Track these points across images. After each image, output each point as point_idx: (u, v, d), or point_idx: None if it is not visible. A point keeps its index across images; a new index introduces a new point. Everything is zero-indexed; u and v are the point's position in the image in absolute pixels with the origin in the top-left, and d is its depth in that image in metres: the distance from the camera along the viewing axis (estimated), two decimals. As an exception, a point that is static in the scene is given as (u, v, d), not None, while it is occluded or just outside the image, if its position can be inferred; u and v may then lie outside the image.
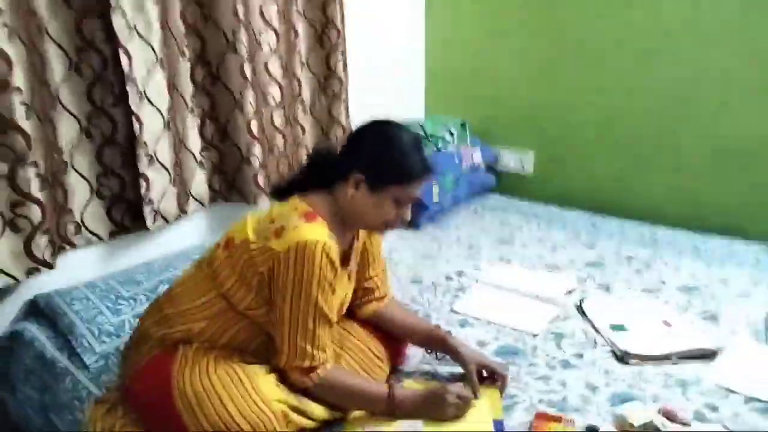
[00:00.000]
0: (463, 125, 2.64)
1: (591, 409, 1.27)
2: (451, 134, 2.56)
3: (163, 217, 1.82)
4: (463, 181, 2.54)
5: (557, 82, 2.53)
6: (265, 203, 2.05)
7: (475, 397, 1.27)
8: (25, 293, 1.61)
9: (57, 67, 1.55)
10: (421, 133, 2.50)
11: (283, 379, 1.17)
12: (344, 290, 1.31)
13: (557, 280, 1.87)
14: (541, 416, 1.23)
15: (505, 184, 2.77)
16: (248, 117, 1.94)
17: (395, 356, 1.44)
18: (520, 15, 2.56)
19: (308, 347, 1.15)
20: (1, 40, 1.35)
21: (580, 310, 1.68)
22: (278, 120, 2.13)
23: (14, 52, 1.39)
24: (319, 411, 1.19)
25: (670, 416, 1.21)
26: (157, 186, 1.78)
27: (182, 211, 1.90)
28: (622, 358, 1.44)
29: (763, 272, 1.89)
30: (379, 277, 1.45)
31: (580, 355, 1.47)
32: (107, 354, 1.45)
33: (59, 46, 1.55)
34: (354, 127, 1.28)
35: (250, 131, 1.96)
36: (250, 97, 1.94)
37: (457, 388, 1.22)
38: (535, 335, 1.56)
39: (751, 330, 1.57)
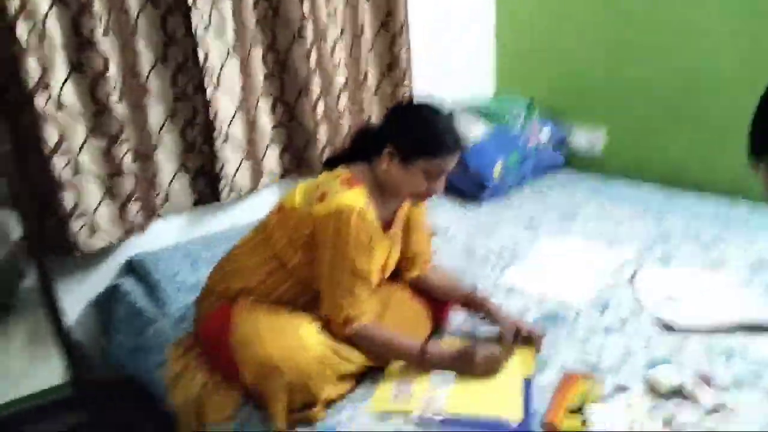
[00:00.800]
0: (530, 104, 2.63)
1: (624, 371, 1.29)
2: (518, 113, 2.56)
3: (236, 191, 2.02)
4: (529, 160, 2.54)
5: (626, 57, 2.45)
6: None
7: (510, 355, 1.34)
8: (122, 255, 1.87)
9: (146, 58, 1.78)
10: (484, 110, 2.54)
11: (328, 327, 1.30)
12: (385, 253, 1.41)
13: (613, 252, 1.85)
14: (570, 375, 1.27)
15: (576, 160, 2.73)
16: (312, 101, 2.09)
17: (438, 318, 1.52)
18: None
19: (344, 303, 1.27)
20: (97, 36, 1.58)
21: (632, 281, 1.67)
22: (343, 103, 2.26)
23: (109, 46, 1.62)
24: (356, 356, 1.30)
25: (706, 381, 1.21)
26: (232, 162, 1.97)
27: (255, 185, 2.09)
28: (667, 328, 1.43)
29: None
30: (422, 244, 1.54)
31: (623, 323, 1.48)
32: (186, 305, 1.66)
33: (147, 40, 1.77)
34: (394, 106, 1.37)
35: (314, 114, 2.11)
36: (314, 83, 2.08)
37: (488, 347, 1.28)
38: (578, 305, 1.58)
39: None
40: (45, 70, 1.54)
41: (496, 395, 1.24)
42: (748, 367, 1.28)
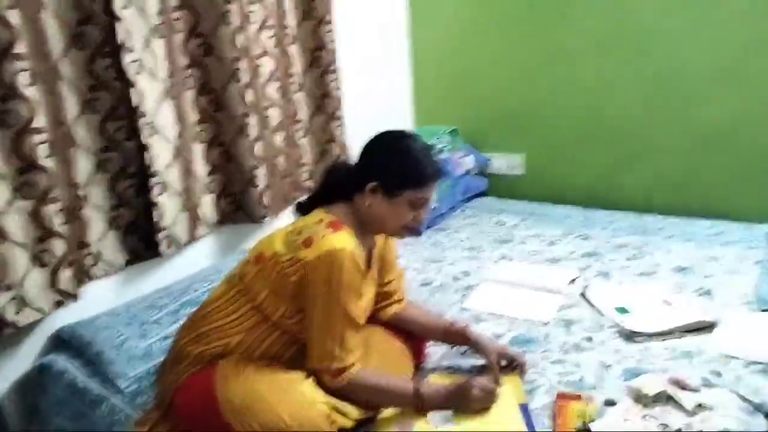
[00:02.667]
0: (453, 132, 2.75)
1: (606, 385, 1.36)
2: (443, 142, 2.66)
3: (175, 243, 1.89)
4: (458, 187, 2.64)
5: (541, 84, 2.66)
6: (271, 222, 2.13)
7: (498, 384, 1.36)
8: (45, 328, 1.65)
9: (71, 105, 1.62)
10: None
11: (319, 382, 1.24)
12: (369, 294, 1.39)
13: (559, 271, 1.96)
14: (562, 396, 1.32)
15: (498, 186, 2.88)
16: (251, 141, 2.02)
17: (417, 354, 1.51)
18: (501, 21, 2.69)
19: (336, 350, 1.22)
20: (23, 85, 1.42)
21: (584, 297, 1.78)
22: (279, 142, 2.22)
23: (35, 95, 1.45)
24: (354, 410, 1.26)
25: (679, 384, 1.31)
26: (169, 213, 1.84)
27: (193, 235, 1.96)
28: (630, 336, 1.54)
29: (749, 249, 2.00)
30: (397, 281, 1.53)
31: (590, 338, 1.57)
32: (140, 377, 1.50)
33: (73, 85, 1.61)
34: (365, 141, 1.36)
35: (254, 154, 2.04)
36: (252, 121, 2.02)
37: (481, 381, 1.30)
38: (545, 323, 1.65)
39: (742, 301, 1.67)
40: (-40, 125, 1.34)
41: (500, 427, 1.25)
42: (708, 366, 1.40)
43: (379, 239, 1.45)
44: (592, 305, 1.73)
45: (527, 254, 2.16)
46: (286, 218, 2.25)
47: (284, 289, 1.24)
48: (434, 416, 1.27)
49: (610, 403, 1.29)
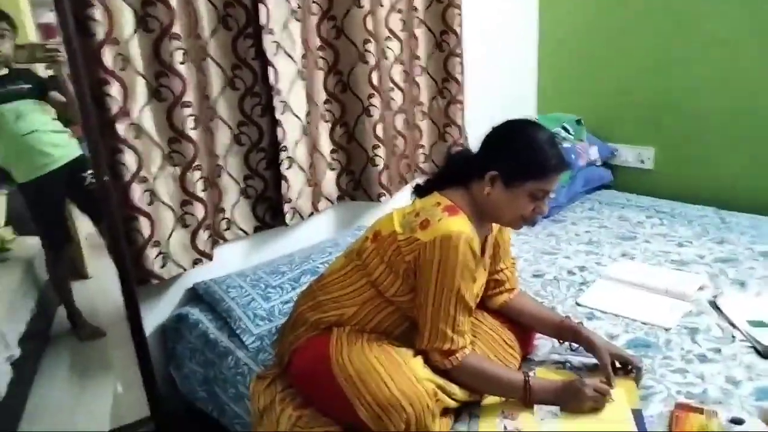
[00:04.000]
0: (578, 121, 2.63)
1: (733, 402, 1.26)
2: (567, 131, 2.56)
3: (299, 214, 2.00)
4: (579, 178, 2.53)
5: (677, 74, 2.46)
6: (387, 201, 2.19)
7: (611, 386, 1.31)
8: (183, 282, 1.84)
9: (216, 82, 1.76)
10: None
11: (427, 361, 1.27)
12: (481, 280, 1.39)
13: (687, 276, 1.83)
14: (682, 406, 1.24)
15: (623, 179, 2.73)
16: (374, 121, 2.08)
17: (525, 345, 1.49)
18: (636, 6, 2.52)
19: (449, 331, 1.24)
20: (178, 62, 1.57)
21: (715, 306, 1.64)
22: (399, 123, 2.26)
23: (186, 72, 1.60)
24: (460, 392, 1.28)
25: (822, 412, 1.18)
26: (295, 186, 1.95)
27: (315, 208, 2.07)
28: (766, 354, 1.41)
29: None
30: (509, 269, 1.52)
31: (718, 350, 1.45)
32: (262, 335, 1.62)
33: (218, 64, 1.75)
34: (488, 129, 1.35)
35: (375, 135, 2.10)
36: (376, 102, 2.07)
37: (595, 381, 1.25)
38: (667, 329, 1.56)
39: None
40: (126, 97, 1.52)
41: (611, 429, 1.21)
42: None
43: (494, 226, 1.44)
44: (723, 315, 1.60)
45: (652, 254, 2.03)
46: (402, 198, 2.30)
47: (399, 268, 1.28)
48: (541, 410, 1.26)
49: (736, 421, 1.20)
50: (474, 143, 1.36)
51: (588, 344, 1.39)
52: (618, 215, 2.42)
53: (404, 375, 1.19)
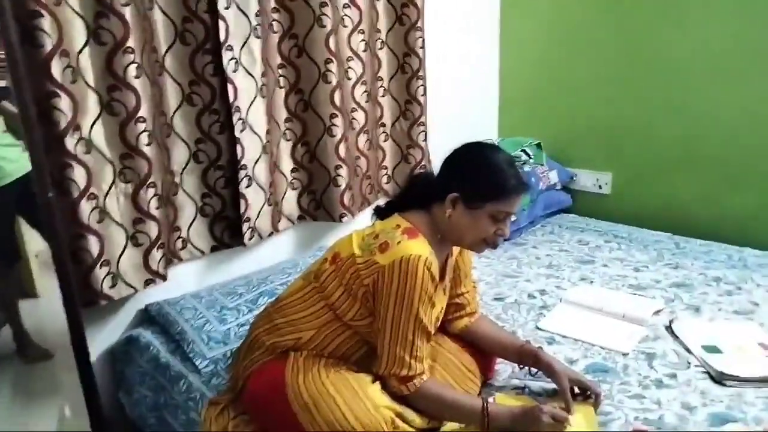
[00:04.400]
0: (538, 145, 2.67)
1: (689, 428, 1.27)
2: (527, 155, 2.60)
3: (258, 234, 1.95)
4: (540, 201, 2.56)
5: (634, 100, 2.53)
6: (349, 222, 2.16)
7: (569, 412, 1.30)
8: (135, 303, 1.76)
9: (173, 98, 1.71)
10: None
11: (386, 387, 1.24)
12: (440, 304, 1.37)
13: (643, 300, 1.86)
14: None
15: (581, 203, 2.77)
16: (336, 141, 2.06)
17: (485, 370, 1.48)
18: (594, 33, 2.59)
19: (407, 357, 1.21)
20: (131, 77, 1.52)
21: (670, 330, 1.67)
22: (362, 144, 2.24)
23: (141, 86, 1.55)
24: (419, 419, 1.24)
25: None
26: (255, 205, 1.91)
27: (275, 228, 2.03)
28: (720, 378, 1.43)
29: None
30: (470, 293, 1.51)
31: (674, 375, 1.47)
32: (217, 359, 1.56)
33: (174, 79, 1.71)
34: (449, 151, 1.35)
35: (338, 154, 2.07)
36: (338, 122, 2.05)
37: (552, 408, 1.24)
38: (625, 354, 1.56)
39: None
40: (76, 111, 1.46)
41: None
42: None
43: (455, 249, 1.43)
44: (678, 340, 1.62)
45: (610, 278, 2.06)
46: (364, 220, 2.28)
47: (357, 291, 1.25)
48: (500, 438, 1.24)
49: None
50: (437, 165, 1.36)
51: (548, 369, 1.38)
52: (577, 239, 2.45)
53: (361, 402, 1.16)
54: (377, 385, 1.23)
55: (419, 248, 1.22)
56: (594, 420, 1.30)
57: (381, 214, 1.38)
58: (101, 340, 1.71)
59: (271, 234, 2.01)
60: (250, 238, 1.93)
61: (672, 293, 1.91)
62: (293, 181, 2.10)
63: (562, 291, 1.96)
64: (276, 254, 2.11)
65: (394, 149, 2.42)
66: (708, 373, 1.47)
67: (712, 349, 1.54)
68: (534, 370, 1.44)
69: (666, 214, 2.53)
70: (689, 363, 1.51)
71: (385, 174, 2.42)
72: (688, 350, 1.57)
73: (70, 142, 1.45)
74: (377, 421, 1.14)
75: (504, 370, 1.51)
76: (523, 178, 1.29)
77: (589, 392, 1.36)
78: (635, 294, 1.92)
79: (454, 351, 1.44)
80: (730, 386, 1.41)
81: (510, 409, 1.25)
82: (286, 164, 2.06)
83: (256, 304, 1.72)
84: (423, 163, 2.41)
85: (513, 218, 1.32)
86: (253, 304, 1.72)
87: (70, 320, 1.34)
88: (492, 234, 1.29)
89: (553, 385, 1.40)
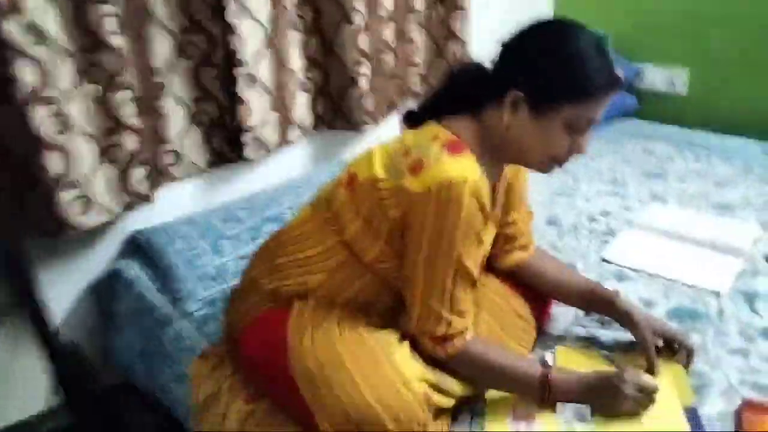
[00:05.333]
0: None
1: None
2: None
3: (264, 146, 1.63)
4: (599, 104, 2.16)
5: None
6: (373, 131, 1.82)
7: (654, 374, 1.01)
8: (123, 229, 1.49)
9: (148, -26, 1.35)
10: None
11: (415, 347, 0.96)
12: (489, 239, 1.06)
13: (735, 224, 1.51)
14: (751, 406, 0.95)
15: (649, 106, 2.35)
16: (356, 30, 1.67)
17: (539, 315, 1.19)
18: None
19: (444, 311, 0.92)
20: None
21: (774, 261, 1.33)
22: (389, 35, 1.85)
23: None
24: (458, 386, 0.97)
25: None
26: (258, 111, 1.58)
27: (284, 139, 1.70)
28: None
29: None
30: (524, 221, 1.19)
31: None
32: (212, 300, 1.30)
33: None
34: (512, 34, 0.97)
35: (358, 48, 1.70)
36: (359, 6, 1.66)
37: (638, 376, 0.94)
38: (718, 294, 1.25)
39: None
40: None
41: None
42: None
43: (509, 168, 1.09)
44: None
45: (687, 197, 1.70)
46: (390, 128, 1.94)
47: (381, 225, 0.94)
48: (565, 410, 0.96)
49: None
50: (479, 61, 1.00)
51: (626, 318, 1.08)
52: (643, 148, 2.07)
53: (385, 377, 0.88)
54: (406, 347, 0.95)
55: (465, 168, 0.89)
56: (687, 384, 1.02)
57: (412, 121, 1.04)
58: (84, 273, 1.46)
59: (279, 146, 1.69)
60: (254, 152, 1.61)
61: (768, 214, 1.55)
62: (305, 81, 1.74)
63: (630, 213, 1.62)
64: (287, 171, 1.79)
65: (428, 42, 2.02)
66: (832, 322, 1.15)
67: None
68: (606, 318, 1.14)
69: (753, 118, 2.10)
70: (805, 308, 1.19)
71: (417, 73, 2.04)
72: (801, 290, 1.24)
73: (12, 28, 1.12)
74: (408, 402, 0.87)
75: (562, 314, 1.22)
76: (614, 71, 0.92)
77: (677, 346, 1.06)
78: (723, 216, 1.57)
79: (502, 293, 1.15)
80: None
81: (579, 378, 0.97)
82: (296, 60, 1.69)
83: (260, 233, 1.44)
84: (465, 60, 2.01)
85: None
86: (256, 232, 1.44)
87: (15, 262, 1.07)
88: (566, 149, 0.94)
89: (629, 337, 1.11)
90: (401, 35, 1.92)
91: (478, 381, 0.99)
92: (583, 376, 0.96)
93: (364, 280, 1.00)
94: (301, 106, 1.75)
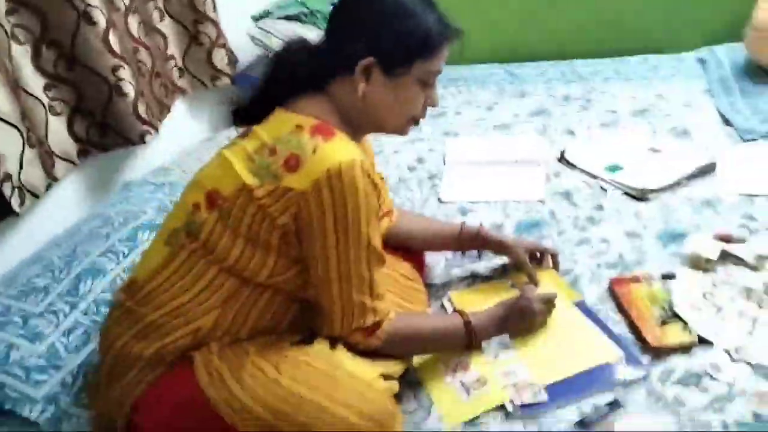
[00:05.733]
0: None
1: (651, 258, 1.18)
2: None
3: (30, 193, 1.31)
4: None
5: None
6: (156, 140, 1.59)
7: (536, 284, 1.12)
8: None
9: None
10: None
11: (348, 346, 0.89)
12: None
13: (521, 139, 1.72)
14: (617, 282, 1.12)
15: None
16: (101, 30, 1.41)
17: (420, 271, 1.21)
18: None
19: (367, 300, 0.87)
20: None
21: (566, 162, 1.56)
22: (135, 29, 1.60)
23: None
24: (396, 367, 0.94)
25: (726, 239, 1.17)
26: (10, 152, 1.24)
27: (51, 177, 1.38)
28: (641, 195, 1.37)
29: (690, 80, 1.90)
30: (381, 184, 1.17)
31: (600, 207, 1.37)
32: (54, 395, 1.02)
33: None
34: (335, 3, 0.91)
35: (110, 49, 1.43)
36: (94, 1, 1.39)
37: (535, 291, 1.03)
38: (542, 201, 1.42)
39: (721, 135, 1.57)
40: None
41: (572, 338, 1.02)
42: (737, 211, 1.28)
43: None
44: (578, 169, 1.52)
45: (472, 124, 1.87)
46: (172, 134, 1.72)
47: (269, 237, 0.84)
48: (489, 347, 1.00)
49: (668, 276, 1.12)
50: (238, 41, 0.93)
51: (499, 245, 1.17)
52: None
53: (349, 389, 0.81)
54: (344, 350, 0.87)
55: (346, 149, 0.83)
56: (565, 284, 1.15)
57: (248, 117, 0.93)
58: None
59: (49, 187, 1.37)
60: (21, 203, 1.27)
61: (538, 123, 1.80)
62: (52, 102, 1.42)
63: (437, 154, 1.72)
64: (68, 214, 1.46)
65: (178, 29, 1.81)
66: (627, 193, 1.40)
67: (615, 168, 1.48)
68: (478, 252, 1.21)
69: (488, 45, 2.38)
70: (604, 190, 1.43)
71: (175, 66, 1.82)
72: (593, 176, 1.48)
73: None
74: (379, 402, 0.82)
75: (435, 262, 1.26)
76: (447, 18, 0.93)
77: (539, 255, 1.19)
78: (508, 135, 1.77)
79: (388, 262, 1.12)
80: (651, 199, 1.36)
81: (491, 314, 1.01)
82: (33, 80, 1.36)
83: (79, 294, 1.15)
84: (221, 42, 1.85)
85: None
86: (75, 296, 1.15)
87: None
88: (421, 106, 0.94)
89: (499, 262, 1.21)
90: (149, 27, 1.68)
91: (412, 353, 0.98)
92: (493, 311, 1.01)
93: (264, 301, 0.88)
94: (58, 133, 1.43)
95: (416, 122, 0.97)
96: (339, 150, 0.82)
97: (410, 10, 0.88)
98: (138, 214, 1.32)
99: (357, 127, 0.94)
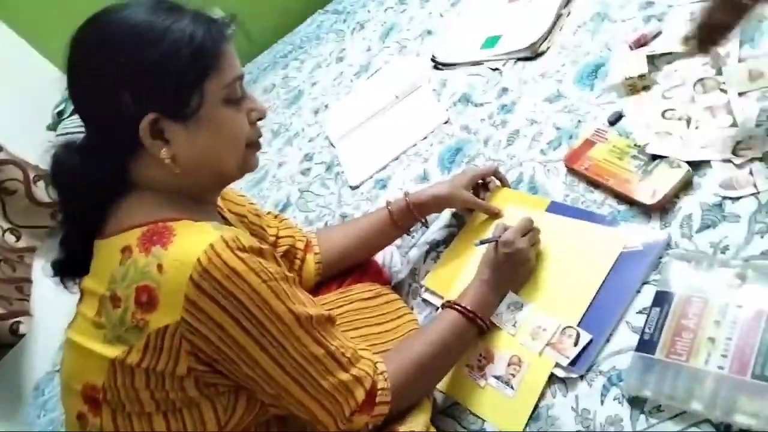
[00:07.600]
0: None
1: (587, 110, 1.01)
2: None
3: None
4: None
5: None
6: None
7: (498, 215, 0.95)
8: None
9: None
10: None
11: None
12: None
13: (387, 71, 1.51)
14: (574, 157, 0.95)
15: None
16: None
17: (381, 278, 1.02)
18: None
19: (342, 375, 0.68)
20: None
21: (441, 65, 1.36)
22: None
23: None
24: (422, 418, 0.76)
25: (642, 42, 1.01)
26: None
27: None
28: (535, 52, 1.18)
29: None
30: (283, 227, 0.98)
31: (505, 90, 1.18)
32: None
33: None
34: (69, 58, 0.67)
35: None
36: None
37: (514, 231, 0.84)
38: (447, 122, 1.24)
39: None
40: None
41: (573, 251, 0.85)
42: (629, 19, 1.12)
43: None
44: (459, 64, 1.33)
45: (332, 87, 1.64)
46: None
47: (183, 393, 0.63)
48: (501, 316, 0.83)
49: (617, 118, 0.95)
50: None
51: (435, 202, 0.99)
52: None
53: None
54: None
55: (196, 239, 0.63)
56: (522, 195, 0.98)
57: (71, 268, 0.70)
58: None
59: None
60: None
61: (393, 45, 1.58)
62: None
63: (319, 127, 1.51)
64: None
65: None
66: (521, 58, 1.21)
67: (492, 42, 1.29)
68: (422, 222, 1.02)
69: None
70: (496, 69, 1.24)
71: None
72: (478, 62, 1.29)
73: None
74: None
75: (388, 258, 1.08)
76: (206, 14, 0.70)
77: (481, 181, 1.02)
78: (372, 76, 1.55)
79: (344, 295, 0.93)
80: (546, 49, 1.19)
81: (479, 283, 0.84)
82: None
83: None
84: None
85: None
86: None
87: None
88: (249, 124, 0.73)
89: (448, 214, 1.03)
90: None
91: (431, 386, 0.81)
92: (480, 278, 0.84)
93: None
94: None
95: (256, 146, 0.75)
96: (187, 246, 0.61)
97: (158, 28, 0.65)
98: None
99: (196, 196, 0.72)
